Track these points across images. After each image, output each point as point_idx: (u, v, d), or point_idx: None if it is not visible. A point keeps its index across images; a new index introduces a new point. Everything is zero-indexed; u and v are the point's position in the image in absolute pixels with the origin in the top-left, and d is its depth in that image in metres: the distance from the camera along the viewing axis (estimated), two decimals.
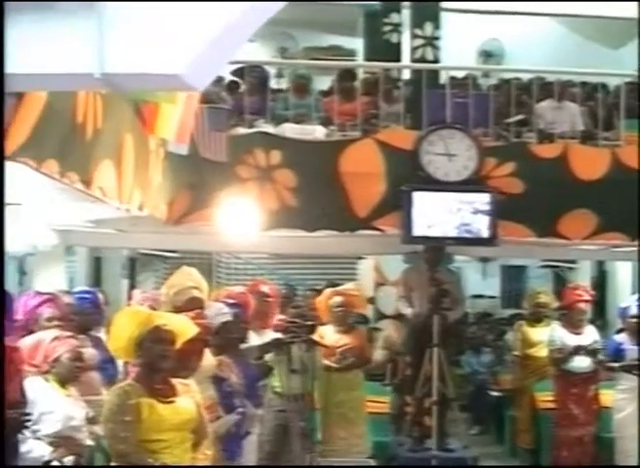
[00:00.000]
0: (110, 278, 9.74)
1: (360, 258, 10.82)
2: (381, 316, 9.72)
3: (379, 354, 8.12)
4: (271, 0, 3.38)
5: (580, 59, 11.37)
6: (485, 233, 7.15)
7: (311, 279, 10.87)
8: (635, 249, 7.90)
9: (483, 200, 7.15)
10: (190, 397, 4.07)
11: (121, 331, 3.95)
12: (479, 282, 14.07)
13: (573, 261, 11.94)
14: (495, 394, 9.38)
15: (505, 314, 11.94)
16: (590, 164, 7.35)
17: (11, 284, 7.83)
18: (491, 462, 8.21)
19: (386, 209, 7.25)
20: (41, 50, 2.84)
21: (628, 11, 11.79)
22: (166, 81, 3.07)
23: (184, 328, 4.09)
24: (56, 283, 6.96)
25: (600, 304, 11.29)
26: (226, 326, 5.15)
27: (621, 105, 7.94)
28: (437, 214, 7.13)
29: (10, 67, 2.81)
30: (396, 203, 7.17)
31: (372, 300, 9.96)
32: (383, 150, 7.30)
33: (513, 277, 13.93)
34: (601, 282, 11.78)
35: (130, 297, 7.78)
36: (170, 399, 3.97)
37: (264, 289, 6.58)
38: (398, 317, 8.43)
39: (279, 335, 5.99)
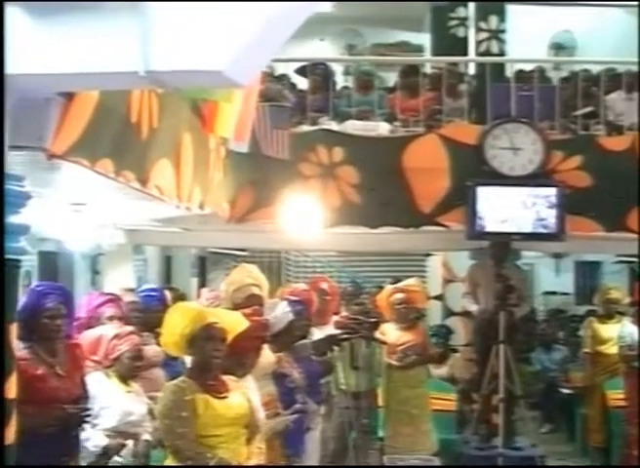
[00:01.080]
0: (180, 276, 9.88)
1: (429, 255, 10.75)
2: (450, 313, 9.65)
3: None
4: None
5: None
6: (552, 228, 7.03)
7: (379, 276, 10.83)
8: None
9: (550, 194, 7.04)
10: (241, 393, 4.09)
11: (173, 328, 3.99)
12: (552, 278, 13.87)
13: None
14: (566, 392, 9.21)
15: (579, 311, 11.70)
16: None
17: (84, 283, 8.00)
18: (561, 461, 8.09)
19: (451, 204, 7.19)
20: (86, 49, 2.88)
21: None
22: (210, 78, 3.08)
23: (236, 324, 4.12)
24: (124, 282, 7.09)
25: None
26: (291, 324, 5.15)
27: None
28: (502, 209, 7.05)
29: (56, 67, 2.87)
30: (461, 198, 7.10)
31: (440, 297, 9.90)
32: (447, 145, 7.24)
33: (587, 273, 13.66)
34: None
35: (199, 296, 7.89)
36: (223, 394, 4.00)
37: (324, 286, 6.59)
38: (466, 314, 8.36)
39: (335, 332, 5.98)
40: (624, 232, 7.20)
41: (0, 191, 2.92)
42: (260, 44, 3.09)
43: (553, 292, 13.56)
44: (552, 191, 7.02)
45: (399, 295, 7.10)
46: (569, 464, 8.23)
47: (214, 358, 3.98)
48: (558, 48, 13.37)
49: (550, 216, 6.99)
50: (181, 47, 2.93)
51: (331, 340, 5.77)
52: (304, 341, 5.38)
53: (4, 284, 2.94)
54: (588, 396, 8.32)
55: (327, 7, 12.66)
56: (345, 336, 5.95)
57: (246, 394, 4.16)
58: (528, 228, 7.02)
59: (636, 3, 11.93)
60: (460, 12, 10.02)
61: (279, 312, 5.09)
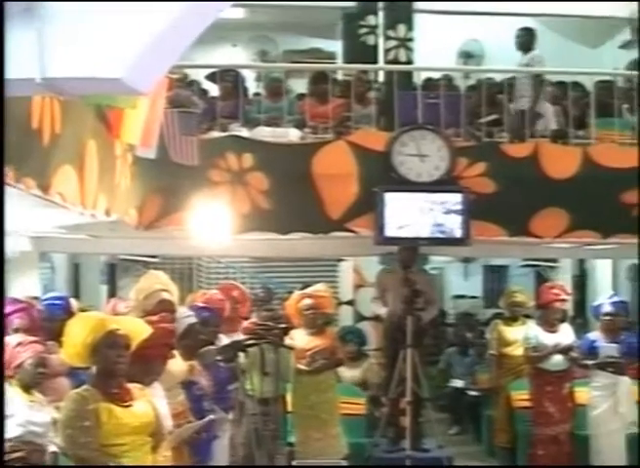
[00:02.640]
0: (89, 284, 9.74)
1: (340, 260, 10.85)
2: (361, 318, 9.76)
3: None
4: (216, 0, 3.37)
5: (559, 59, 11.43)
6: (457, 233, 7.18)
7: (292, 282, 10.87)
8: (607, 246, 7.97)
9: (455, 200, 7.18)
10: (146, 400, 4.08)
11: (74, 338, 3.95)
12: (461, 282, 14.14)
13: (554, 260, 11.98)
14: (473, 393, 9.39)
15: (487, 314, 11.94)
16: (561, 162, 7.38)
17: None
18: (468, 462, 8.24)
19: (360, 210, 7.27)
20: None
21: (606, 10, 11.88)
22: (108, 85, 3.06)
23: (139, 330, 4.10)
24: (29, 290, 6.96)
25: (581, 302, 11.35)
26: (192, 329, 5.15)
27: (592, 104, 7.96)
28: (409, 214, 7.16)
29: None
30: (369, 204, 7.19)
31: (351, 302, 10.00)
32: (356, 152, 7.32)
33: (495, 277, 13.96)
34: (582, 280, 11.82)
35: (109, 304, 7.80)
36: (127, 403, 3.98)
37: (234, 292, 6.60)
38: (376, 319, 8.45)
39: (240, 338, 6.00)
40: (528, 237, 7.41)
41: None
42: (160, 50, 3.08)
43: (462, 296, 13.82)
44: (457, 197, 7.17)
45: (307, 301, 7.14)
46: (476, 464, 8.40)
47: (117, 365, 3.96)
48: (466, 56, 13.65)
49: (456, 222, 7.14)
50: (78, 53, 2.91)
51: (235, 346, 5.78)
52: (209, 348, 5.37)
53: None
54: (494, 397, 8.49)
55: (239, 13, 12.68)
56: (251, 342, 5.96)
57: (151, 402, 4.14)
58: (434, 233, 7.15)
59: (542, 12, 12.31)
60: (370, 20, 10.11)
61: (177, 316, 5.08)
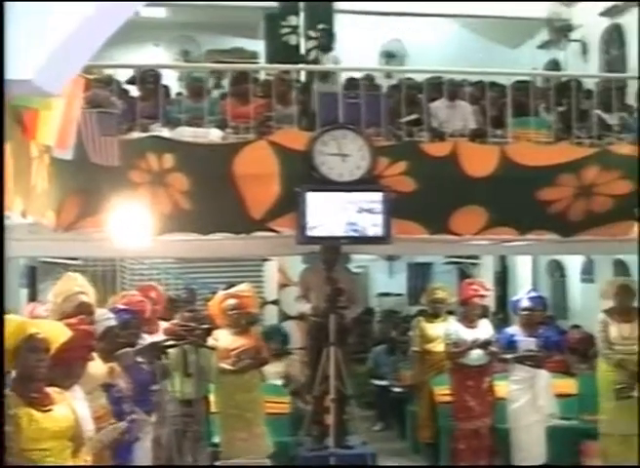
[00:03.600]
0: (9, 288, 9.54)
1: (265, 260, 10.87)
2: (286, 317, 9.79)
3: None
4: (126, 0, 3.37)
5: (480, 59, 11.64)
6: (379, 231, 7.23)
7: (217, 282, 10.84)
8: (525, 243, 8.15)
9: (376, 199, 7.23)
10: (66, 404, 4.04)
11: None
12: (386, 280, 14.29)
13: (476, 257, 12.19)
14: (397, 390, 9.50)
15: (412, 311, 12.09)
16: (479, 161, 7.49)
17: None
18: (392, 458, 8.35)
19: (281, 210, 7.27)
20: None
21: (525, 11, 12.15)
22: (19, 86, 3.04)
23: (58, 334, 4.06)
24: None
25: (502, 298, 11.57)
26: (112, 331, 5.12)
27: (509, 103, 8.13)
28: (331, 213, 7.19)
29: None
30: (291, 204, 7.21)
31: (276, 302, 10.03)
32: (277, 152, 7.32)
33: (419, 274, 14.14)
34: (503, 276, 12.05)
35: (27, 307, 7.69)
36: (47, 407, 3.94)
37: (152, 294, 6.56)
38: (301, 317, 8.49)
39: (158, 339, 5.97)
40: (447, 234, 7.51)
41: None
42: (71, 51, 3.07)
43: (387, 294, 13.96)
44: (378, 196, 7.22)
45: (231, 301, 7.14)
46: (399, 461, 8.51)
47: (37, 370, 3.92)
48: (388, 56, 13.82)
49: (377, 221, 7.19)
50: None
51: (154, 348, 5.74)
52: (127, 350, 5.34)
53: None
54: (418, 393, 8.61)
55: (161, 12, 12.61)
56: (171, 343, 5.94)
57: (71, 406, 4.11)
58: (355, 232, 7.20)
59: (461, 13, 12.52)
60: (292, 20, 10.18)
61: (97, 318, 5.05)
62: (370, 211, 7.19)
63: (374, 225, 7.20)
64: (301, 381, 8.14)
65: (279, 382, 8.20)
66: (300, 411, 7.73)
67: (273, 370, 8.14)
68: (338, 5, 9.84)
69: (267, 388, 7.59)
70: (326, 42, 8.71)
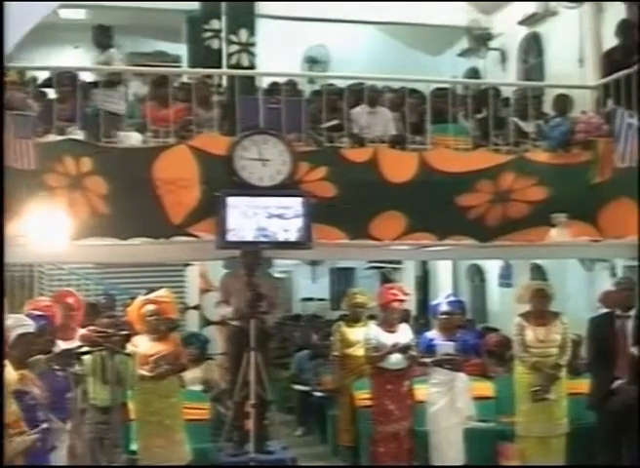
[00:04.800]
0: None
1: (188, 265, 10.78)
2: (207, 322, 9.73)
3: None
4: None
5: (402, 66, 11.76)
6: (299, 236, 7.24)
7: (138, 287, 10.71)
8: (444, 248, 8.26)
9: (296, 204, 7.25)
10: None
11: None
12: (309, 285, 14.31)
13: (398, 262, 12.30)
14: (319, 395, 9.52)
15: (334, 315, 12.12)
16: (399, 167, 7.60)
17: None
18: (313, 462, 8.36)
19: (201, 215, 7.25)
20: None
21: (446, 19, 12.31)
22: None
23: None
24: None
25: (423, 302, 11.70)
26: (25, 338, 5.02)
27: (428, 110, 8.23)
28: (251, 218, 7.18)
29: None
30: (211, 208, 7.18)
31: (197, 307, 9.96)
32: (197, 156, 7.31)
33: (342, 279, 14.21)
34: (424, 281, 12.18)
35: None
36: None
37: (69, 300, 6.46)
38: (222, 323, 8.44)
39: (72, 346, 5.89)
40: (367, 239, 7.56)
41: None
42: None
43: (310, 299, 13.99)
44: (299, 201, 7.24)
45: (150, 307, 7.07)
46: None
47: None
48: (312, 62, 13.86)
49: (297, 226, 7.21)
50: None
51: (67, 355, 5.64)
52: (38, 357, 5.24)
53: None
54: (338, 397, 8.64)
55: (80, 14, 12.42)
56: (85, 350, 5.86)
57: None
58: (276, 237, 7.20)
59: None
60: (214, 24, 10.11)
61: (12, 325, 4.95)
62: (281, 216, 7.19)
63: (286, 230, 7.20)
64: (222, 387, 8.10)
65: (199, 388, 8.13)
66: (220, 417, 7.69)
67: (193, 376, 8.08)
68: (260, 9, 9.81)
69: (187, 394, 7.52)
70: (102, 39, 8.67)
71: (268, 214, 7.20)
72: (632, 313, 6.80)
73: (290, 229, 7.22)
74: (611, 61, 8.20)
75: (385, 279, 12.64)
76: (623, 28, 8.26)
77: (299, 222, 7.23)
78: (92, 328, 6.44)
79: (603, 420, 6.89)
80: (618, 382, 6.54)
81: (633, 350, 6.46)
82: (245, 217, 7.14)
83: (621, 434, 6.65)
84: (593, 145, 7.80)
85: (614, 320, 6.84)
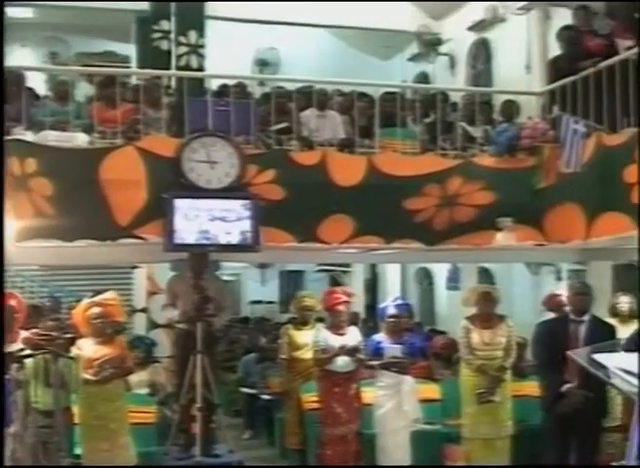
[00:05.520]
0: None
1: (135, 267, 10.69)
2: (154, 325, 9.67)
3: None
4: None
5: (351, 70, 11.81)
6: (247, 239, 7.21)
7: (85, 290, 10.58)
8: (392, 251, 8.31)
9: (245, 206, 7.22)
10: None
11: None
12: (258, 288, 14.29)
13: (347, 265, 12.34)
14: (266, 397, 9.51)
15: (283, 318, 12.14)
16: (347, 170, 7.62)
17: None
18: (261, 465, 8.34)
19: (149, 217, 7.19)
20: None
21: (397, 24, 12.39)
22: None
23: None
24: None
25: (372, 305, 11.76)
26: None
27: (377, 114, 8.27)
28: (199, 221, 7.13)
29: None
30: (158, 210, 7.13)
31: (145, 310, 9.89)
32: (145, 157, 7.25)
33: (291, 282, 14.22)
34: (373, 284, 12.24)
35: None
36: None
37: (11, 302, 6.37)
38: (169, 326, 8.39)
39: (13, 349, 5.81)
40: (315, 242, 7.57)
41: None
42: None
43: (259, 301, 13.97)
44: (247, 204, 7.22)
45: (95, 310, 7.00)
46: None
47: None
48: (262, 64, 13.84)
49: (245, 228, 7.17)
50: None
51: (7, 358, 5.56)
52: None
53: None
54: (286, 400, 8.63)
55: (28, 12, 12.27)
56: (26, 353, 5.78)
57: None
58: (224, 240, 7.17)
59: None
60: (164, 25, 10.07)
61: None
62: (224, 219, 7.15)
63: (228, 233, 7.15)
64: (168, 390, 8.05)
65: (145, 391, 8.07)
66: (166, 421, 7.63)
67: (139, 380, 8.02)
68: (210, 11, 9.79)
69: (133, 398, 7.46)
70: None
71: (211, 216, 7.14)
72: (586, 317, 6.82)
73: (232, 232, 7.17)
74: (556, 68, 8.31)
75: (335, 282, 12.70)
76: (568, 35, 8.38)
77: (242, 225, 7.19)
78: (35, 330, 6.36)
79: (552, 422, 6.96)
80: (567, 386, 6.60)
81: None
82: (187, 220, 7.09)
83: (569, 436, 6.73)
84: (539, 151, 7.89)
85: (567, 324, 6.88)
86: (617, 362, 3.37)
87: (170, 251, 7.15)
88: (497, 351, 7.52)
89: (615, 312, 7.92)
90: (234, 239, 7.18)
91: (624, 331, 6.90)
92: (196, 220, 7.10)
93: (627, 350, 3.42)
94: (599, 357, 3.39)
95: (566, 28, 8.47)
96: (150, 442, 7.44)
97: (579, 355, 3.82)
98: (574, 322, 6.86)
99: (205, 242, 7.15)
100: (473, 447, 7.55)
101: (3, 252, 2.89)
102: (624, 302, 7.95)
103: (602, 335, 6.16)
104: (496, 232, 7.76)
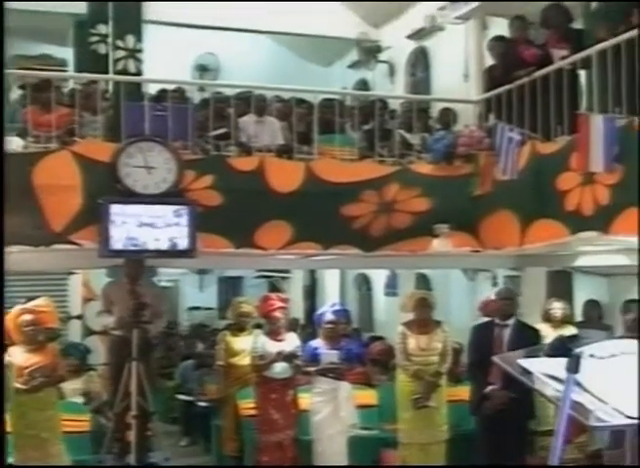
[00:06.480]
0: None
1: (71, 274, 10.54)
2: (90, 332, 9.55)
3: None
4: None
5: (292, 76, 11.82)
6: (184, 245, 7.17)
7: (19, 296, 10.41)
8: (330, 257, 8.33)
9: (182, 212, 7.17)
10: None
11: None
12: (197, 294, 14.20)
13: (286, 271, 12.34)
14: (203, 404, 9.45)
15: (221, 325, 12.06)
16: (285, 176, 7.61)
17: None
18: None
19: (84, 222, 7.09)
20: None
21: (337, 31, 12.45)
22: None
23: None
24: None
25: (311, 311, 11.76)
26: None
27: (315, 120, 8.28)
28: (135, 226, 7.06)
29: None
30: (94, 216, 7.04)
31: (80, 317, 9.76)
32: (80, 162, 7.16)
33: (230, 288, 14.16)
34: (312, 290, 12.25)
35: None
36: None
37: None
38: (105, 332, 8.29)
39: None
40: (253, 248, 7.55)
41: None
42: None
43: (197, 308, 13.88)
44: (184, 209, 7.16)
45: (26, 317, 6.88)
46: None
47: None
48: (202, 69, 13.80)
49: (182, 234, 7.13)
50: None
51: None
52: None
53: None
54: (223, 407, 8.60)
55: None
56: None
57: None
58: (160, 246, 7.10)
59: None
60: (101, 28, 9.94)
61: None
62: (176, 224, 7.11)
63: (156, 239, 7.08)
64: (103, 398, 7.94)
65: (80, 400, 7.96)
66: (101, 429, 7.54)
67: (74, 388, 7.91)
68: (148, 15, 9.70)
69: (66, 406, 7.36)
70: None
71: (139, 222, 7.05)
72: (510, 322, 7.01)
73: (161, 238, 7.11)
74: (492, 77, 8.42)
75: (274, 288, 12.67)
76: (497, 46, 8.50)
77: (171, 231, 7.12)
78: None
79: (479, 425, 7.10)
80: (490, 388, 6.76)
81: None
82: (115, 226, 7.01)
83: (499, 439, 6.83)
84: (475, 158, 7.97)
85: (493, 328, 7.05)
86: (541, 367, 3.42)
87: (105, 256, 7.07)
88: (433, 356, 7.59)
89: (548, 318, 8.07)
90: (163, 245, 7.11)
91: None
92: (133, 226, 7.02)
93: (547, 355, 3.48)
94: (523, 362, 3.45)
95: (496, 39, 8.59)
96: (85, 450, 7.35)
97: (504, 359, 3.86)
98: (498, 326, 7.04)
99: (141, 247, 7.07)
100: (409, 451, 7.61)
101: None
102: (557, 308, 8.12)
103: (526, 339, 6.30)
104: (432, 238, 7.83)
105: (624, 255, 7.71)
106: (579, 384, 3.32)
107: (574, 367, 3.30)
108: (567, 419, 3.28)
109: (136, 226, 7.01)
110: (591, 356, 3.45)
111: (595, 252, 8.00)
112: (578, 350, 3.34)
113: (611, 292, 9.46)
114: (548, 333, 7.22)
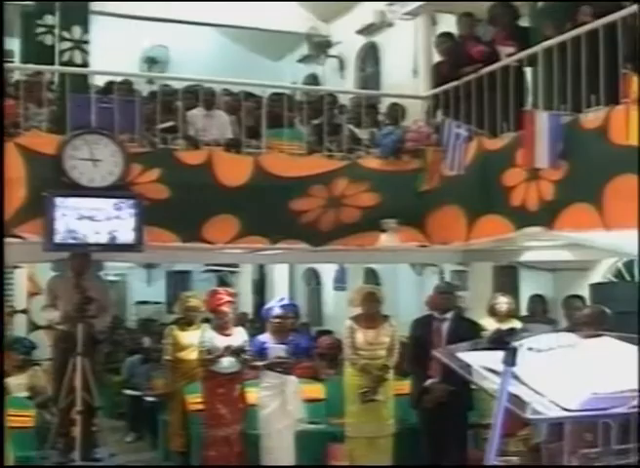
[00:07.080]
0: None
1: (16, 267, 10.41)
2: (35, 327, 9.44)
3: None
4: None
5: (241, 70, 11.77)
6: (130, 239, 7.10)
7: None
8: (279, 252, 8.32)
9: (128, 206, 7.10)
10: None
11: None
12: (145, 288, 14.10)
13: (235, 265, 12.31)
14: (150, 399, 9.39)
15: (170, 319, 12.00)
16: (233, 170, 7.58)
17: None
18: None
19: (28, 215, 6.98)
20: None
21: (287, 25, 12.44)
22: None
23: None
24: None
25: (260, 306, 11.75)
26: None
27: (264, 114, 8.26)
28: (81, 220, 6.98)
29: None
30: (38, 209, 6.94)
31: (25, 311, 9.65)
32: (24, 155, 7.04)
33: (178, 282, 14.09)
34: (261, 284, 12.24)
35: None
36: None
37: None
38: (50, 327, 8.20)
39: None
40: (200, 243, 7.51)
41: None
42: None
43: (145, 302, 13.78)
44: (131, 203, 7.09)
45: None
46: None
47: None
48: (151, 62, 13.69)
49: (128, 228, 7.06)
50: None
51: None
52: None
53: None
54: (169, 402, 8.55)
55: None
56: None
57: None
58: (106, 239, 7.04)
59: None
60: (48, 19, 9.81)
61: None
62: (122, 218, 7.05)
63: (97, 233, 6.99)
64: (48, 393, 7.85)
65: (24, 395, 7.86)
66: (45, 424, 7.46)
67: (18, 383, 7.81)
68: (96, 7, 9.59)
69: (11, 401, 7.24)
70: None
71: (78, 215, 6.96)
72: (448, 315, 7.13)
73: (101, 231, 7.02)
74: (440, 73, 8.48)
75: (222, 282, 12.65)
76: (443, 42, 8.57)
77: (111, 225, 7.03)
78: None
79: (421, 418, 7.18)
80: (430, 381, 6.85)
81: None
82: (80, 219, 6.92)
83: (440, 431, 6.91)
84: (422, 154, 8.02)
85: (432, 322, 7.15)
86: (479, 360, 3.46)
87: (49, 250, 6.98)
88: (380, 350, 7.63)
89: (493, 312, 8.18)
90: (117, 239, 7.06)
91: None
92: (78, 220, 6.93)
93: (485, 348, 3.53)
94: (462, 355, 3.49)
95: (443, 36, 8.66)
96: (29, 446, 7.27)
97: (445, 352, 3.90)
98: (437, 320, 7.15)
99: (86, 241, 6.99)
100: (357, 445, 7.64)
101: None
102: (503, 302, 8.23)
103: (465, 333, 6.36)
104: (380, 233, 7.85)
105: (569, 251, 7.84)
106: (516, 377, 3.37)
107: (510, 360, 3.35)
108: (504, 412, 3.32)
109: (75, 219, 6.90)
110: (530, 349, 3.50)
111: (540, 247, 8.12)
112: (516, 343, 3.39)
113: (556, 287, 9.61)
114: (494, 327, 7.31)
